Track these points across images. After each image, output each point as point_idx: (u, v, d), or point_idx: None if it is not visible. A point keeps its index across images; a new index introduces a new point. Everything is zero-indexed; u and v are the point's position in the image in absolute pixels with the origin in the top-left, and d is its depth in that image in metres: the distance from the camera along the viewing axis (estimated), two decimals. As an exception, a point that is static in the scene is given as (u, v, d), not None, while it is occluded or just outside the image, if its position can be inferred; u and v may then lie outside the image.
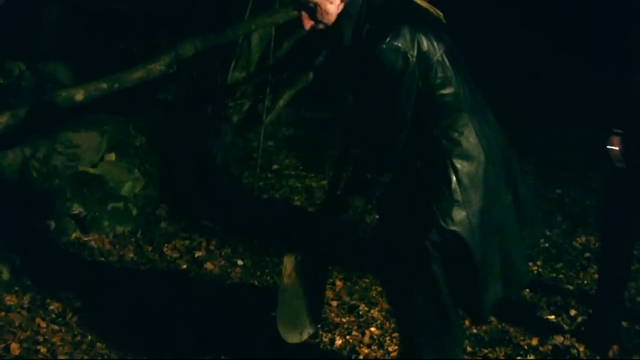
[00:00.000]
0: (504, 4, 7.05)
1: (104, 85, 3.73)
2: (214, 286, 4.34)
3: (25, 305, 3.99)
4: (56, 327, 3.82)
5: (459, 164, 2.70)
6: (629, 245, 3.73)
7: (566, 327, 3.94)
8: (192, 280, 4.41)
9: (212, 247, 4.82)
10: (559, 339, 3.82)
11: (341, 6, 2.68)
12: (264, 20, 4.42)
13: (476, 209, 2.71)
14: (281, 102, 6.07)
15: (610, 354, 3.70)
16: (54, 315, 3.92)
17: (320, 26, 2.71)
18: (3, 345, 3.63)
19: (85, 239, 4.75)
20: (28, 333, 3.76)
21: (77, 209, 4.78)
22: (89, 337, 3.75)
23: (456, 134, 2.70)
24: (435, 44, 2.66)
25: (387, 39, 2.59)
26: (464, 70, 2.77)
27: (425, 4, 2.76)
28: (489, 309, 2.83)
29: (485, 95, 2.86)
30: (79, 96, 3.71)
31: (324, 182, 5.97)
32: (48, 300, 4.03)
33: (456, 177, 2.70)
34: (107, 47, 5.91)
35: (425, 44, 2.63)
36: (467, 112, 2.72)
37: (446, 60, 2.69)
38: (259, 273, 4.52)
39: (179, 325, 3.87)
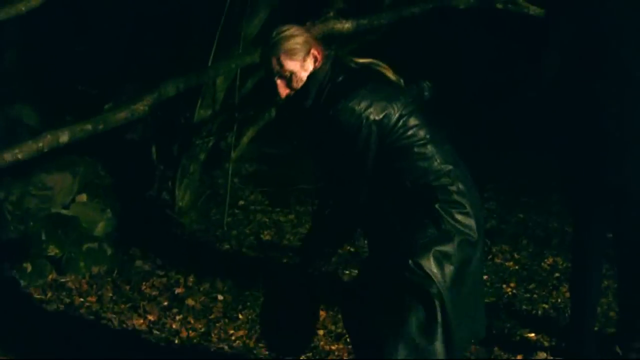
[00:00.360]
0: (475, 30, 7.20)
1: (89, 127, 3.75)
2: (199, 322, 4.35)
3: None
4: (44, 370, 3.79)
5: (443, 210, 2.79)
6: (597, 263, 3.88)
7: (547, 344, 4.07)
8: (175, 316, 4.41)
9: (190, 284, 4.83)
10: (542, 355, 3.94)
11: (311, 71, 2.81)
12: (243, 59, 4.52)
13: (455, 254, 2.79)
14: (245, 139, 6.14)
15: (590, 369, 3.84)
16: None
17: (292, 93, 2.83)
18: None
19: (62, 280, 4.72)
20: (16, 378, 3.73)
21: (52, 251, 4.76)
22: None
23: (433, 181, 2.79)
24: (395, 103, 2.77)
25: (344, 100, 2.72)
26: (431, 121, 2.87)
27: (388, 72, 2.90)
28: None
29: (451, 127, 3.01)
30: (64, 138, 3.71)
31: (291, 217, 6.05)
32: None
33: (441, 219, 2.78)
34: (70, 89, 5.91)
35: (383, 104, 2.75)
36: (441, 161, 2.81)
37: (409, 116, 2.79)
38: (240, 307, 4.54)
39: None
